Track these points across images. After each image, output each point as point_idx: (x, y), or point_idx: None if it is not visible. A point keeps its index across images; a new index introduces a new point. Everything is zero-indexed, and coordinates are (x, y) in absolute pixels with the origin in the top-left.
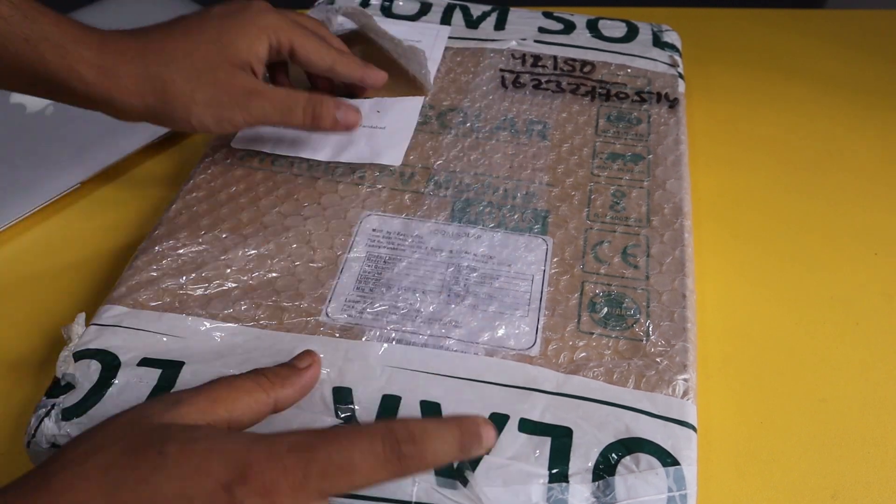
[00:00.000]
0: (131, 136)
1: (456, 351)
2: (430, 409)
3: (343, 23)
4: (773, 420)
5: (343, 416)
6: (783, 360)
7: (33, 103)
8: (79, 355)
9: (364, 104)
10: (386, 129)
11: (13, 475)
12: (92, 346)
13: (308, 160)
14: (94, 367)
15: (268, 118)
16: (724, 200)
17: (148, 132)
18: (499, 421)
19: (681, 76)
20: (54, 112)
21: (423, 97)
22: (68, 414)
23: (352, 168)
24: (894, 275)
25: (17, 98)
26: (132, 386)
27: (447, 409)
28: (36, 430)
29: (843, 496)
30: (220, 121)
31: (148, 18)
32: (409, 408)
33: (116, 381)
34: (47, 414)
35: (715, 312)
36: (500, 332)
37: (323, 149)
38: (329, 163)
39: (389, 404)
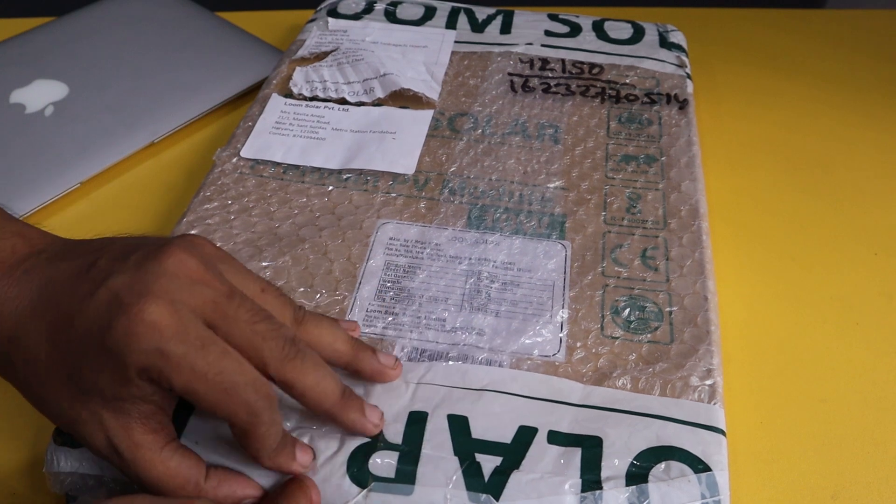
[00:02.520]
0: (131, 136)
1: (481, 363)
2: (458, 423)
3: (340, 39)
4: (772, 420)
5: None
6: (783, 360)
7: (33, 103)
8: None
9: (372, 111)
10: (396, 136)
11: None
12: None
13: (320, 169)
14: None
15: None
16: (721, 199)
17: (147, 132)
18: (528, 434)
19: (689, 77)
20: (54, 112)
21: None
22: None
23: (364, 176)
24: (894, 275)
25: (17, 98)
26: None
27: (475, 424)
28: (55, 460)
29: (843, 496)
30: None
31: (148, 19)
32: (437, 423)
33: None
34: (63, 443)
35: None
36: (525, 341)
37: (334, 157)
38: (341, 171)
39: (416, 420)
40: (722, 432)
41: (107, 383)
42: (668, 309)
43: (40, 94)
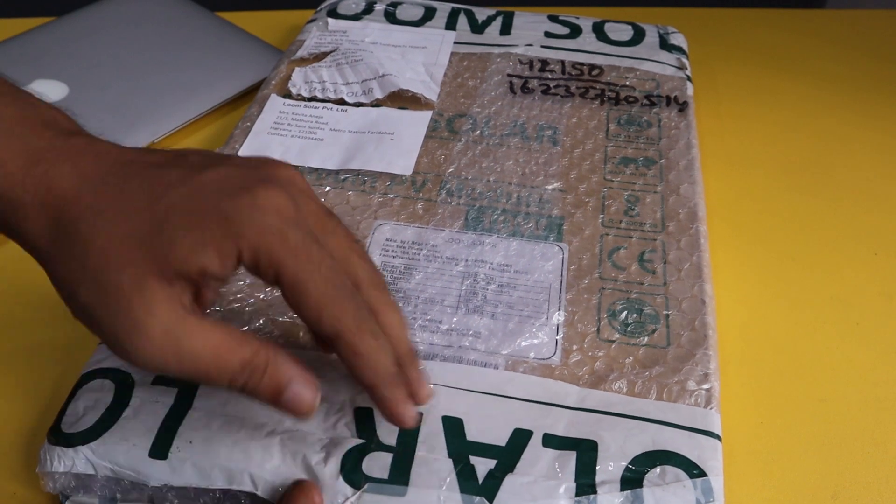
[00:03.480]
0: (131, 136)
1: (477, 364)
2: (453, 424)
3: (340, 40)
4: (772, 420)
5: (364, 437)
6: (783, 361)
7: None
8: (90, 376)
9: (371, 112)
10: (394, 137)
11: None
12: (104, 365)
13: (317, 169)
14: (107, 387)
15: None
16: (721, 199)
17: (149, 131)
18: (523, 436)
19: (689, 79)
20: None
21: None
22: (82, 439)
23: (361, 177)
24: (894, 275)
25: None
26: (148, 407)
27: (470, 425)
28: (49, 460)
29: (843, 496)
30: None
31: (148, 19)
32: (432, 425)
33: (132, 402)
34: (57, 442)
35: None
36: (520, 343)
37: (332, 157)
38: (338, 172)
39: None
40: (718, 437)
41: (198, 255)
42: (665, 312)
43: (40, 94)
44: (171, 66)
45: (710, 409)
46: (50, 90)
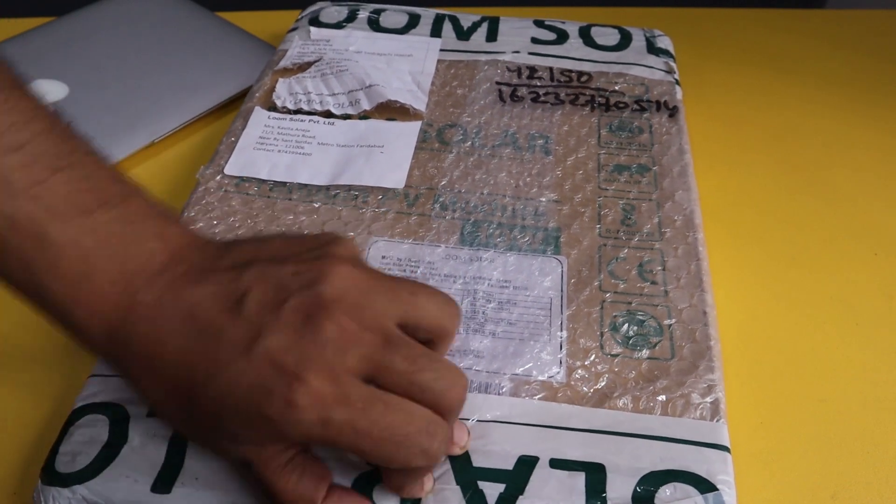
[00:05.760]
0: (131, 136)
1: (480, 389)
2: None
3: (323, 49)
4: (772, 420)
5: (372, 465)
6: (782, 361)
7: None
8: (81, 411)
9: (359, 125)
10: (384, 150)
11: None
12: (96, 399)
13: (307, 185)
14: (100, 423)
15: (313, 438)
16: (720, 201)
17: (147, 132)
18: (529, 462)
19: (677, 83)
20: (54, 112)
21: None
22: (78, 478)
23: (353, 192)
24: (894, 275)
25: None
26: (148, 441)
27: (475, 454)
28: (43, 502)
29: (843, 496)
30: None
31: (148, 19)
32: None
33: (130, 437)
34: (51, 483)
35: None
36: (524, 363)
37: (321, 172)
38: (329, 187)
39: None
40: (727, 449)
41: (254, 438)
42: (667, 322)
43: (40, 94)
44: (172, 65)
45: (717, 421)
46: (50, 90)
